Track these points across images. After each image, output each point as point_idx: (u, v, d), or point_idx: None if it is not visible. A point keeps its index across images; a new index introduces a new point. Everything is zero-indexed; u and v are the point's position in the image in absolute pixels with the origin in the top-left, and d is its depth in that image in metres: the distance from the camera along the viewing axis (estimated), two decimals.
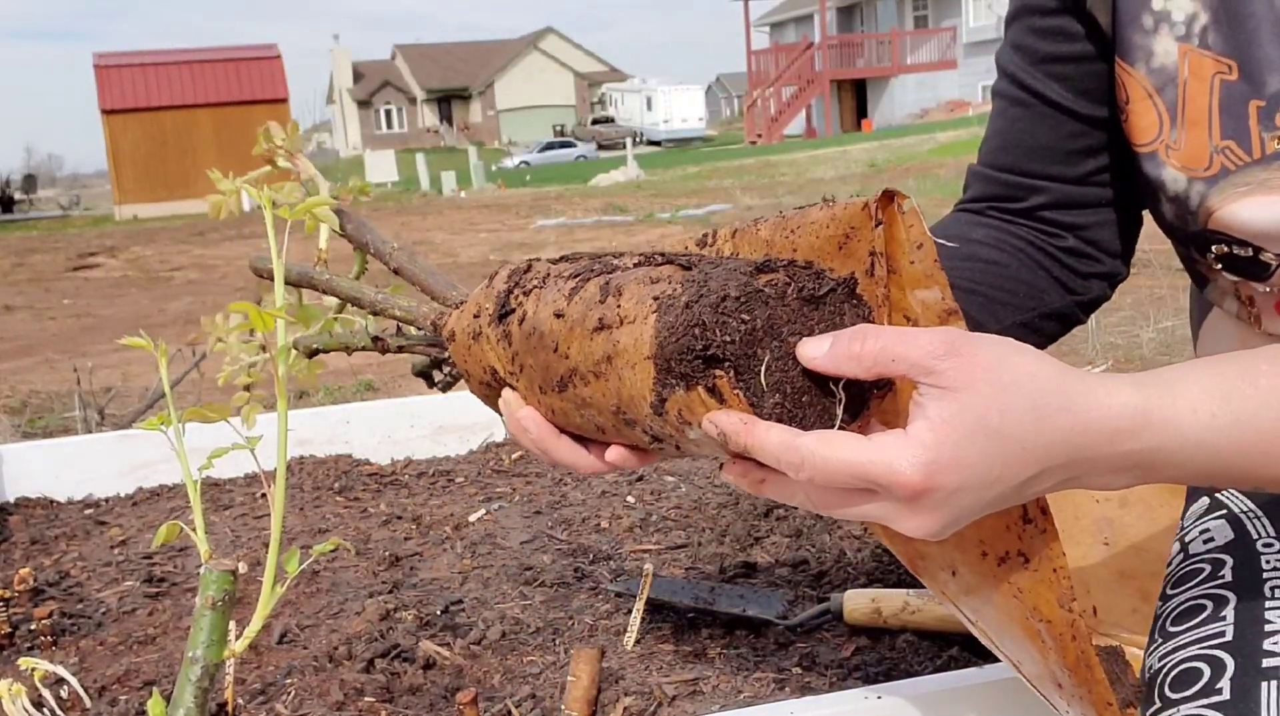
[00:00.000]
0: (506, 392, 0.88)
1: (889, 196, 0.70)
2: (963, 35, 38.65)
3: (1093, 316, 1.19)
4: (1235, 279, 0.96)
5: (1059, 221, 1.06)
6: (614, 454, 0.82)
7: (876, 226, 0.70)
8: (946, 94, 38.55)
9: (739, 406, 0.68)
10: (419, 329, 1.01)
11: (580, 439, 0.85)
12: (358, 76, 61.94)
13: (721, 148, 40.52)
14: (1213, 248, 0.94)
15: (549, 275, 0.84)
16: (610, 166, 29.51)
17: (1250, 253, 0.92)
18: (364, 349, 1.06)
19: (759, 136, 38.98)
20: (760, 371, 0.68)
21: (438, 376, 1.07)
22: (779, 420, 0.68)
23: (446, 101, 61.65)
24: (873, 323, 0.71)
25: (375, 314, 1.05)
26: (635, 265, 0.78)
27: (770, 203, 14.89)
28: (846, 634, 1.28)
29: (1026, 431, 0.65)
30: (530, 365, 0.84)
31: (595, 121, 54.74)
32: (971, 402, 0.65)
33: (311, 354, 1.08)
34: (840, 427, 0.69)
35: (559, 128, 55.78)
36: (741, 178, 20.92)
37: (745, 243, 0.79)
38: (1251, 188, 0.89)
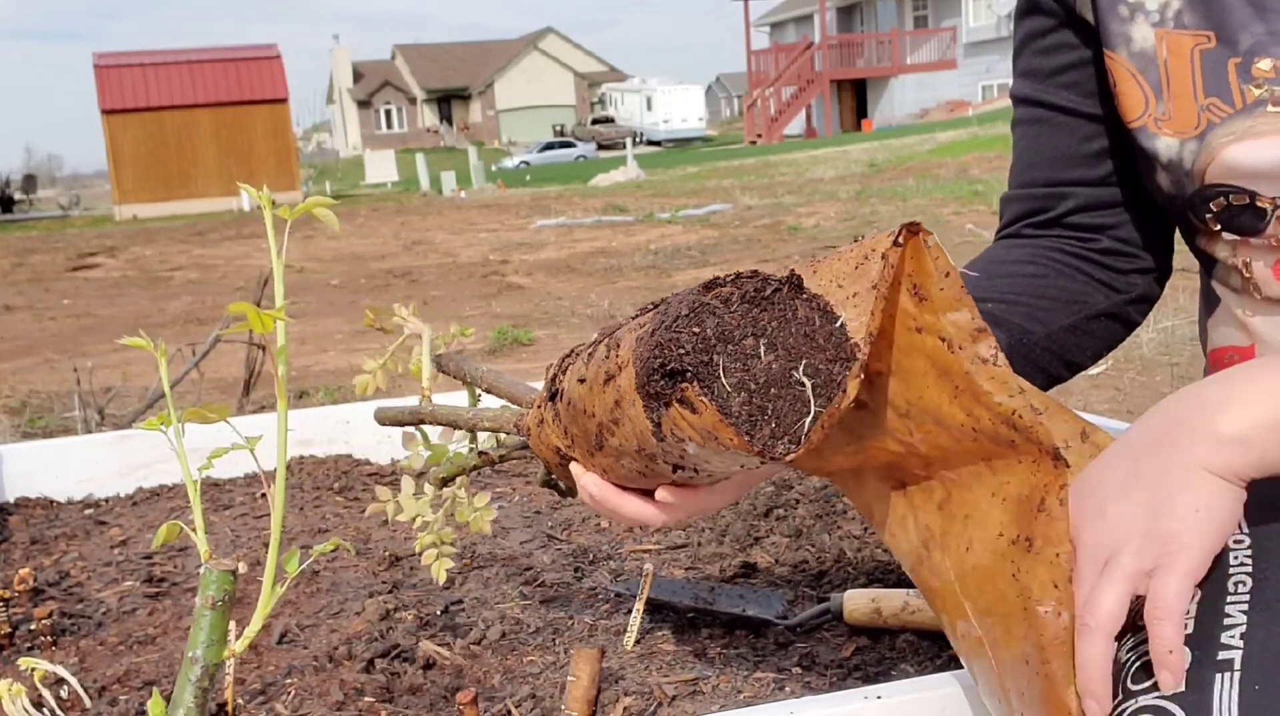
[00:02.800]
0: (572, 465, 0.94)
1: (913, 227, 0.76)
2: (963, 35, 38.67)
3: None
4: (1235, 239, 1.01)
5: (1089, 224, 1.12)
6: (661, 493, 0.88)
7: (894, 245, 0.76)
8: (946, 94, 38.56)
9: (708, 412, 0.73)
10: (508, 434, 1.11)
11: (641, 493, 0.91)
12: (358, 76, 61.97)
13: (721, 148, 40.55)
14: (1211, 204, 1.00)
15: (579, 352, 0.91)
16: (610, 166, 29.51)
17: (1246, 200, 0.98)
18: (476, 467, 1.18)
19: (759, 136, 38.99)
20: (719, 375, 0.73)
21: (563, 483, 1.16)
22: (750, 416, 0.73)
23: (446, 101, 61.69)
24: (830, 312, 0.75)
25: (471, 431, 1.16)
26: (633, 318, 0.85)
27: (770, 202, 14.89)
28: (846, 634, 1.28)
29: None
30: (576, 433, 0.90)
31: (595, 121, 54.77)
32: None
33: (443, 484, 1.20)
34: (816, 413, 0.73)
35: (559, 128, 55.80)
36: (741, 178, 20.91)
37: None
38: (1238, 135, 0.96)
